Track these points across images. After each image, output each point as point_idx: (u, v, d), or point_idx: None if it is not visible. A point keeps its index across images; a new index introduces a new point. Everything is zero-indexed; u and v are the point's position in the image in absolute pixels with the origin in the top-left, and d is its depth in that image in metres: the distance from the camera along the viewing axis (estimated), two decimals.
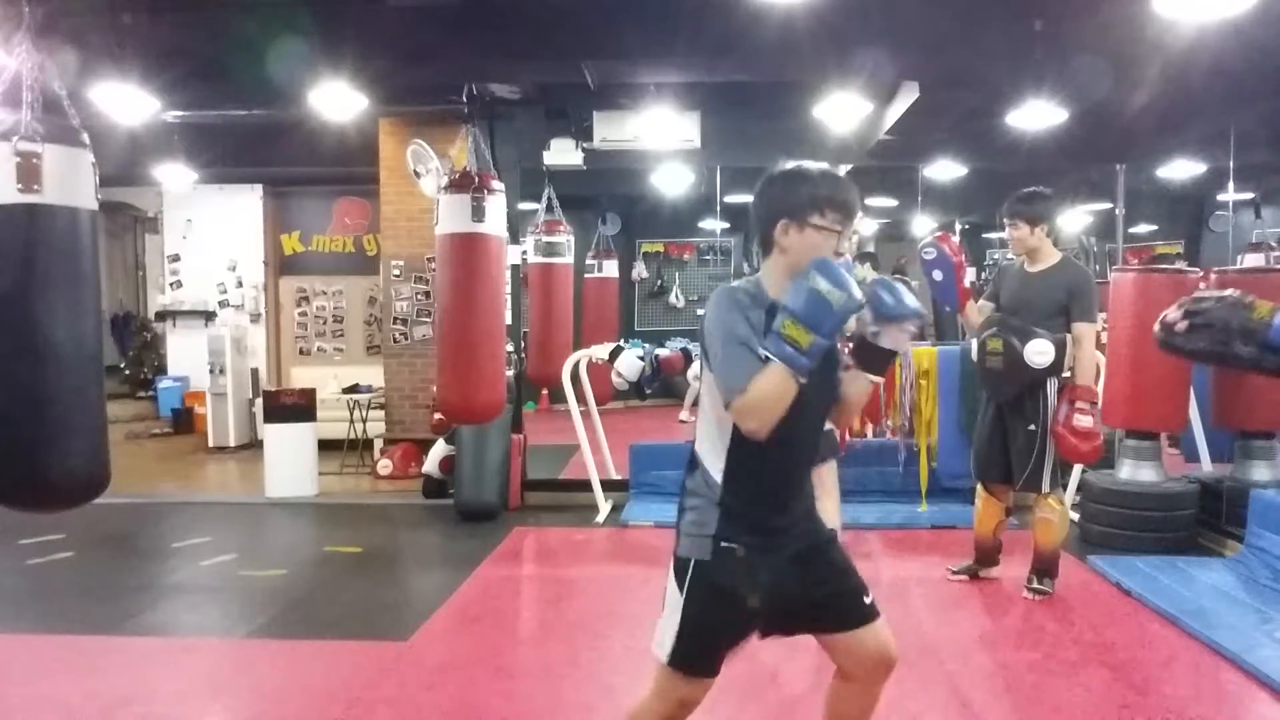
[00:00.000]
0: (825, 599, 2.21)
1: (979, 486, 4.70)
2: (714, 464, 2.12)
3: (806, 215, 2.08)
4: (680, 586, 2.12)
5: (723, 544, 2.09)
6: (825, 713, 2.35)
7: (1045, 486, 4.37)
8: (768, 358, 1.95)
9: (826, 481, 4.33)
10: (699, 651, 2.13)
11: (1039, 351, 4.25)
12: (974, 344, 4.59)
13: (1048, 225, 4.39)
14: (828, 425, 4.20)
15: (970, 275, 10.92)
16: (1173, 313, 2.08)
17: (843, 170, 8.72)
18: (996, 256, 13.18)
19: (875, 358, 2.17)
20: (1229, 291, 2.06)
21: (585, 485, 6.61)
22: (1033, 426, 4.31)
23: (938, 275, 4.45)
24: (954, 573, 4.80)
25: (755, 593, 2.11)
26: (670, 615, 2.13)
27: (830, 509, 4.30)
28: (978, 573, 4.77)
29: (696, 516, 2.13)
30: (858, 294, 1.97)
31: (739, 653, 2.20)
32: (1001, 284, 4.54)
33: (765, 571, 2.11)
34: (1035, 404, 4.31)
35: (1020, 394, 4.34)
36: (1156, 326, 2.11)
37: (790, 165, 2.18)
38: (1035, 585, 4.49)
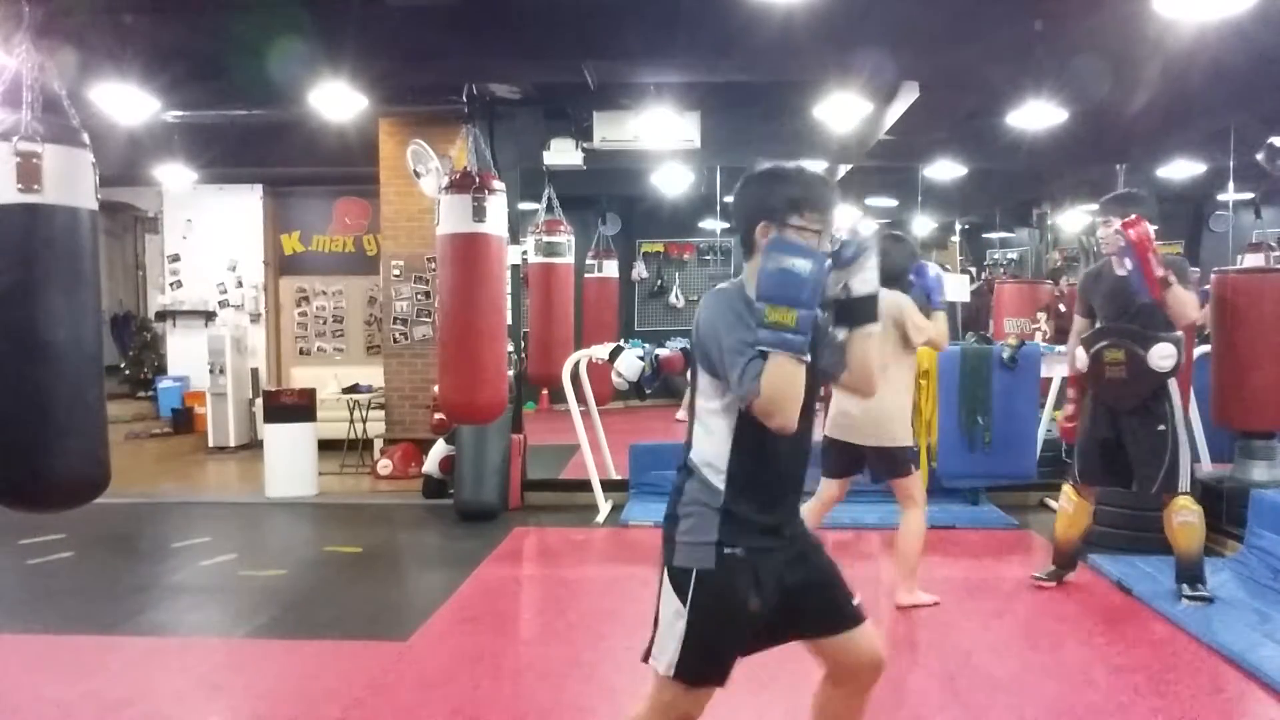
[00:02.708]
0: (818, 602, 2.19)
1: (1069, 489, 4.64)
2: (714, 467, 2.09)
3: (785, 217, 2.06)
4: (682, 597, 2.06)
5: (726, 550, 2.05)
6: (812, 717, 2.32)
7: (1185, 485, 4.26)
8: (765, 352, 1.93)
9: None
10: (707, 662, 2.08)
11: (1164, 355, 4.21)
12: (1081, 354, 4.48)
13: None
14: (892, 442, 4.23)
15: (973, 276, 10.85)
16: None
17: (841, 169, 8.76)
18: (996, 256, 13.20)
19: (858, 309, 2.14)
20: None
21: (585, 485, 6.61)
22: (1162, 427, 4.26)
23: (1128, 264, 4.24)
24: (1040, 579, 4.72)
25: (759, 597, 2.07)
26: (671, 627, 2.07)
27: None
28: (1063, 578, 4.70)
29: (695, 523, 2.08)
30: (821, 256, 1.96)
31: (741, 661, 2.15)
32: (1094, 292, 4.48)
33: (766, 575, 2.08)
34: (1161, 406, 4.27)
35: (1146, 399, 4.29)
36: (1267, 148, 1.95)
37: (766, 165, 2.16)
38: (1190, 594, 4.28)
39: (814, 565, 2.21)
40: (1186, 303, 4.14)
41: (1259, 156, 1.86)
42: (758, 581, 2.07)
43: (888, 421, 4.26)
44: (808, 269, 1.93)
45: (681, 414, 10.21)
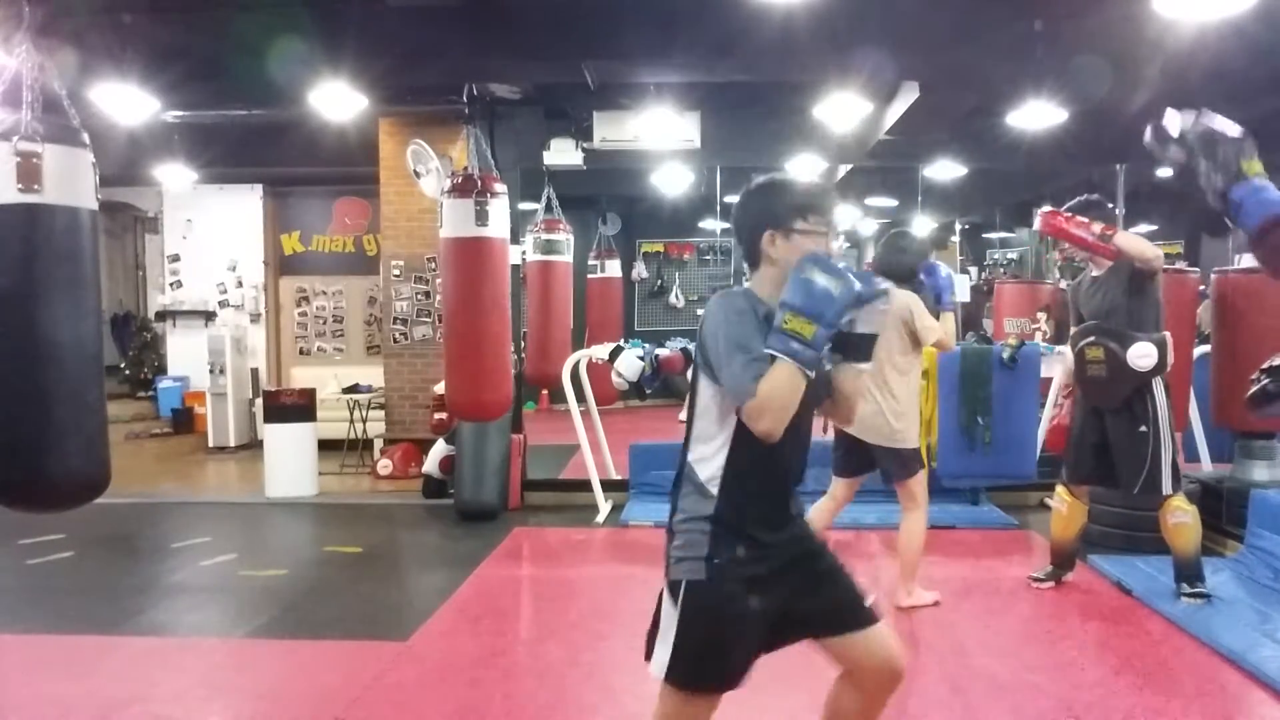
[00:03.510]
0: (823, 605, 2.19)
1: (1062, 490, 4.61)
2: (709, 473, 2.10)
3: (790, 222, 2.11)
4: (675, 606, 2.09)
5: (715, 562, 2.07)
6: (824, 713, 2.31)
7: (1168, 488, 4.24)
8: (774, 356, 1.96)
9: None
10: (698, 668, 2.10)
11: (1142, 354, 4.20)
12: (1068, 352, 4.54)
13: (1100, 220, 4.30)
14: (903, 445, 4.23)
15: (972, 276, 10.85)
16: (1179, 117, 2.05)
17: (841, 170, 8.76)
18: (996, 256, 13.20)
19: (858, 345, 2.17)
20: (1240, 131, 2.03)
21: (585, 485, 6.61)
22: (1144, 428, 4.23)
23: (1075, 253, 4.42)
24: (1038, 580, 4.70)
25: (751, 609, 2.08)
26: (665, 634, 2.10)
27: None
28: (1061, 578, 4.69)
29: (687, 537, 2.10)
30: (854, 282, 1.98)
31: (750, 665, 2.14)
32: (1079, 298, 4.50)
33: (760, 585, 2.09)
34: (1144, 405, 4.24)
35: (1128, 398, 4.27)
36: (1152, 128, 2.09)
37: (764, 178, 2.21)
38: (1188, 592, 4.27)
39: (817, 566, 2.21)
40: (1139, 243, 4.19)
41: (1146, 138, 1.84)
42: (750, 588, 2.08)
43: (898, 420, 4.27)
44: (838, 290, 1.96)
45: (683, 415, 10.23)
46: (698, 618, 2.07)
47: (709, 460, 2.11)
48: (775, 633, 2.17)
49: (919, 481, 4.39)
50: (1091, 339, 4.36)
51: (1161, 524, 4.33)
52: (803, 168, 6.43)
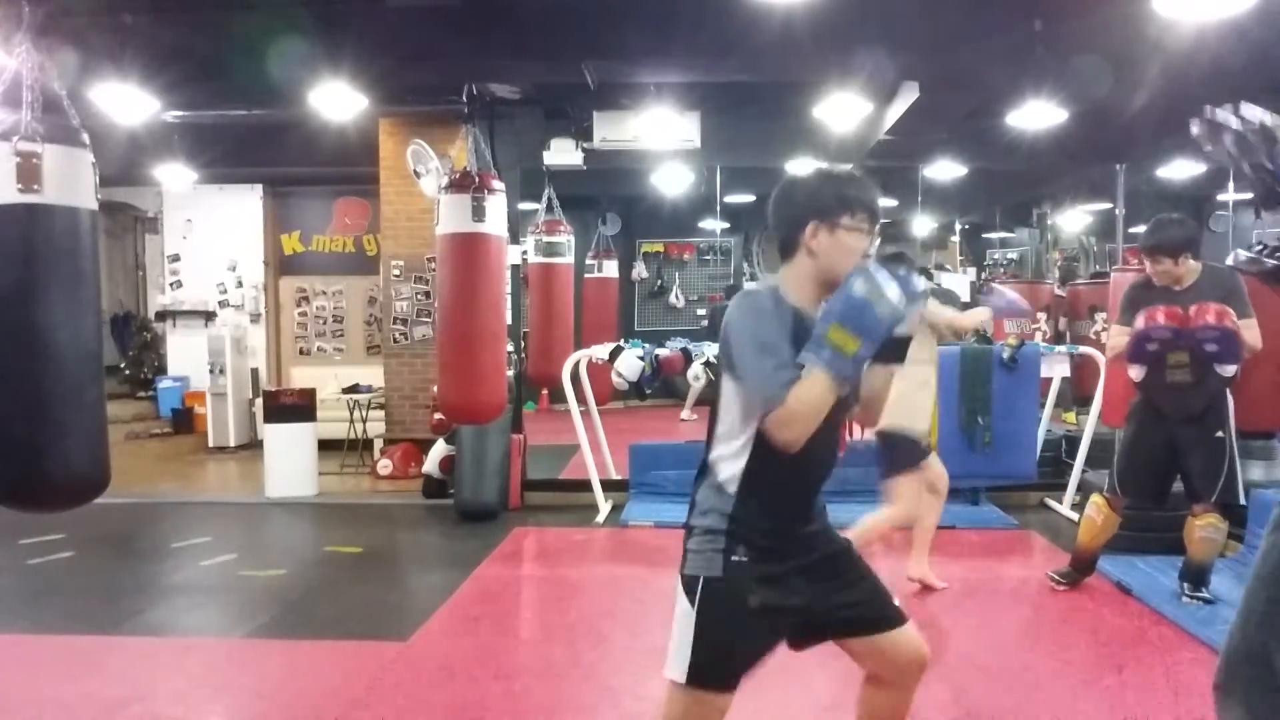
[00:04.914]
0: (850, 606, 2.16)
1: (1100, 501, 4.58)
2: (729, 473, 2.06)
3: (837, 216, 2.03)
4: (691, 604, 2.04)
5: (733, 559, 2.02)
6: (858, 714, 2.31)
7: (1240, 496, 4.23)
8: (810, 366, 1.90)
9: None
10: (717, 668, 2.05)
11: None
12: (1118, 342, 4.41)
13: (1190, 253, 4.21)
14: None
15: (970, 275, 10.79)
16: (1224, 115, 1.98)
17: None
18: (996, 256, 13.20)
19: (891, 347, 2.09)
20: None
21: (585, 485, 6.61)
22: (1220, 434, 4.21)
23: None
24: (1056, 580, 4.69)
25: (769, 608, 2.04)
26: (682, 633, 2.05)
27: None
28: (1078, 582, 4.67)
29: (705, 533, 2.06)
30: (905, 300, 1.92)
31: (759, 668, 2.11)
32: (1141, 304, 4.34)
33: (780, 584, 2.05)
34: (1220, 412, 4.23)
35: (1206, 406, 4.23)
36: (1205, 122, 2.00)
37: (813, 168, 2.16)
38: (1190, 593, 4.31)
39: (842, 569, 2.18)
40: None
41: (1194, 131, 1.75)
42: (769, 591, 2.04)
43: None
44: (888, 309, 1.89)
45: (685, 414, 10.25)
46: (714, 615, 2.03)
47: (730, 460, 2.06)
48: (801, 631, 2.15)
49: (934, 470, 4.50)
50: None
51: (1187, 532, 4.31)
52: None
